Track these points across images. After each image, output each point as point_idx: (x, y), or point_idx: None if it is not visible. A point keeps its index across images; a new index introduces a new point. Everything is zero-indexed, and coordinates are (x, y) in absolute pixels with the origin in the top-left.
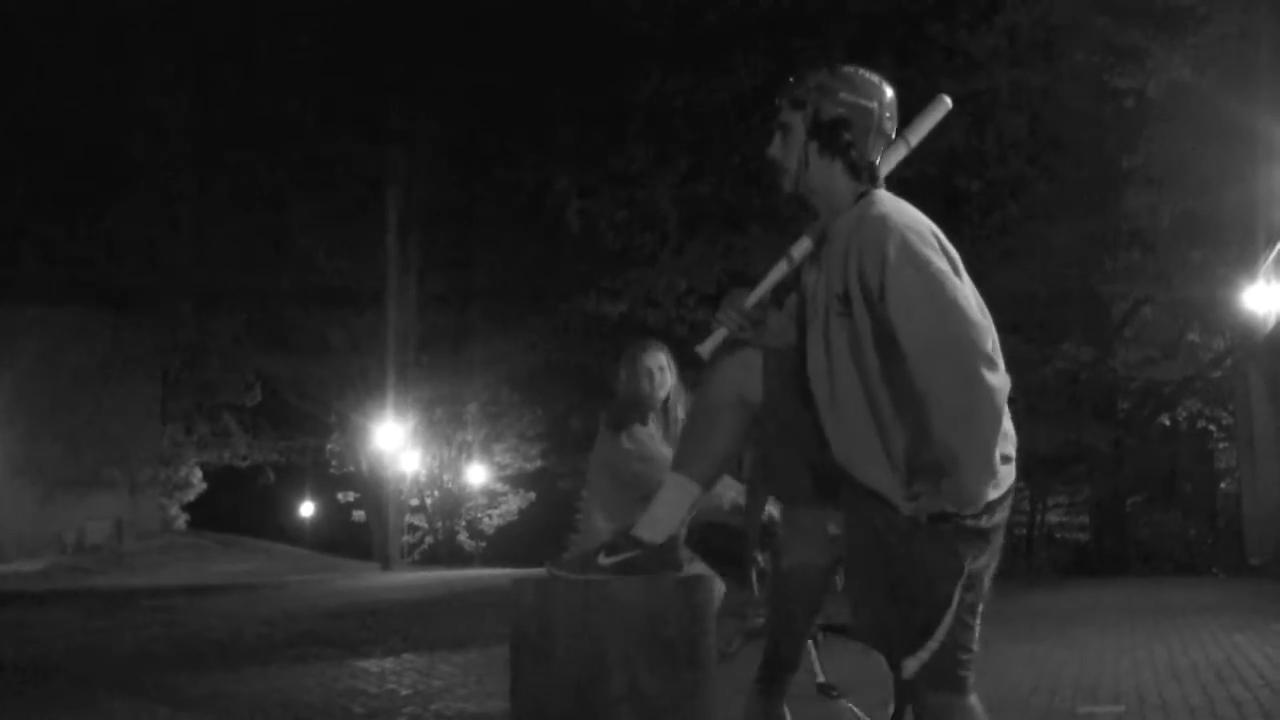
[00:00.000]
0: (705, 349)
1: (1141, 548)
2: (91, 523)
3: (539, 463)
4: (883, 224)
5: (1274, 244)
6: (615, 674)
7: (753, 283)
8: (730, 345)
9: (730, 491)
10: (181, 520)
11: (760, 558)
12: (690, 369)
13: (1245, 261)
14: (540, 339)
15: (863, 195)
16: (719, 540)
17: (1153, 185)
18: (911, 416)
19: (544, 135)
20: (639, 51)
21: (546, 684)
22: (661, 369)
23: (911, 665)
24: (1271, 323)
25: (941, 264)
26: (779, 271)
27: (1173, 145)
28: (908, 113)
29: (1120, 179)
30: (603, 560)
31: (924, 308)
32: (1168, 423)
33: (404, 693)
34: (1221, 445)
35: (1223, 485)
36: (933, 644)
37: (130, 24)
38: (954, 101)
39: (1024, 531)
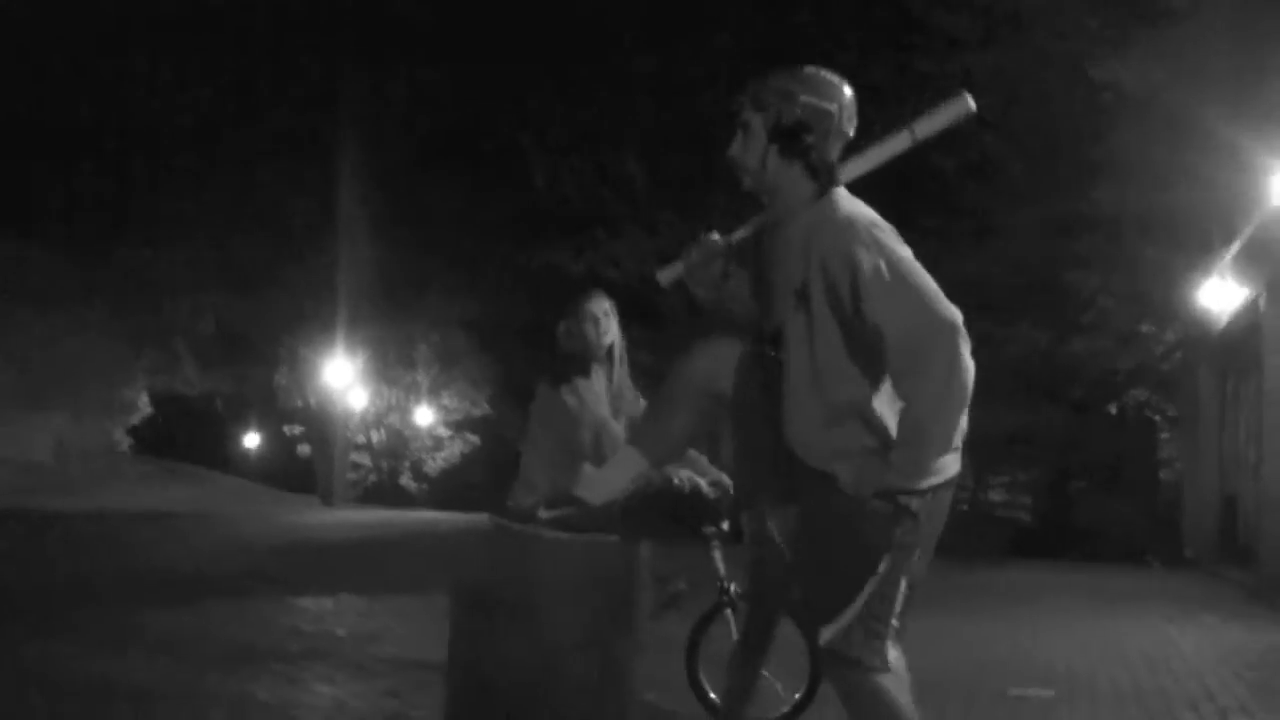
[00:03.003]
0: (664, 277)
1: (1082, 532)
2: (34, 443)
3: (486, 409)
4: (847, 225)
5: (1232, 244)
6: (564, 626)
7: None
8: (706, 332)
9: (684, 470)
10: (125, 444)
11: (716, 528)
12: (639, 324)
13: (1202, 259)
14: (494, 288)
15: (821, 195)
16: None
17: (1120, 178)
18: (872, 398)
19: (513, 98)
20: (610, 24)
21: (488, 637)
22: (606, 314)
23: (827, 633)
24: (1224, 320)
25: (908, 254)
26: (704, 250)
27: (1142, 140)
28: (904, 106)
29: (1089, 169)
30: (542, 514)
31: (902, 296)
32: (1115, 411)
33: (340, 633)
34: (1164, 436)
35: (1163, 475)
36: (850, 612)
37: None
38: (926, 80)
39: (965, 508)
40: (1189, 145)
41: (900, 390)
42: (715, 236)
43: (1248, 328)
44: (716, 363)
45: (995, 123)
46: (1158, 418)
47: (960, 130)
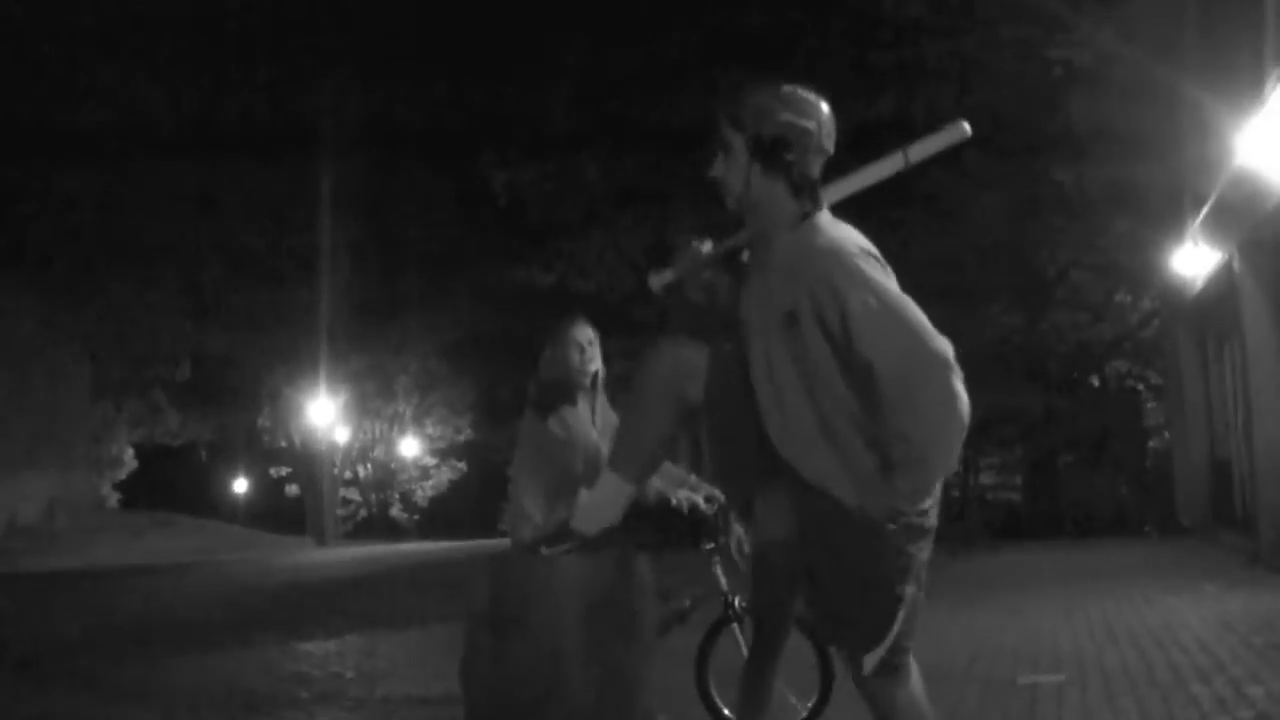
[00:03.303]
0: (656, 282)
1: (1074, 508)
2: (23, 504)
3: (469, 433)
4: (833, 255)
5: (1201, 208)
6: (570, 645)
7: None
8: (679, 300)
9: (658, 481)
10: (114, 499)
11: (716, 543)
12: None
13: (1173, 226)
14: (469, 310)
15: (805, 217)
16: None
17: (1079, 152)
18: (876, 426)
19: (470, 108)
20: (567, 23)
21: (502, 656)
22: (591, 342)
23: (870, 662)
24: (1199, 285)
25: (893, 284)
26: (695, 257)
27: (1098, 112)
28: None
29: (1047, 145)
30: (545, 552)
31: (892, 333)
32: (1097, 383)
33: (348, 675)
34: (1150, 404)
35: (1151, 443)
36: (890, 637)
37: None
38: (879, 73)
39: (957, 494)
40: (1149, 114)
41: (895, 423)
42: (705, 246)
43: (1224, 291)
44: (681, 366)
45: (949, 109)
46: (1141, 387)
47: (918, 120)
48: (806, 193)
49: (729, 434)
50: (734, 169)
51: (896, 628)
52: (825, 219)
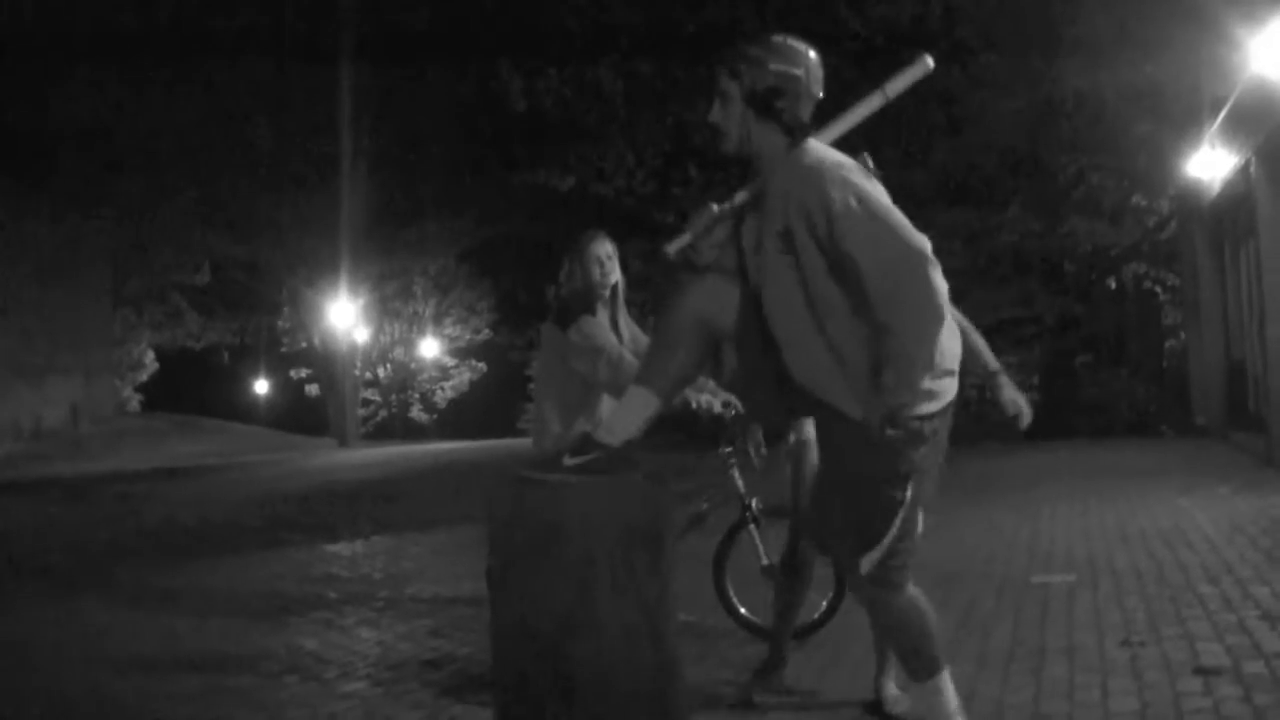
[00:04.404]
0: (671, 248)
1: (1091, 407)
2: (47, 409)
3: (488, 334)
4: (818, 168)
5: (1218, 112)
6: (599, 568)
7: (699, 155)
8: (691, 265)
9: (702, 394)
10: (135, 402)
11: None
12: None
13: (1189, 129)
14: (488, 214)
15: (793, 148)
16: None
17: (1098, 55)
18: (866, 327)
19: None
20: None
21: (529, 581)
22: (609, 257)
23: (867, 563)
24: (1216, 189)
25: (876, 190)
26: (708, 217)
27: (1115, 14)
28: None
29: (1064, 48)
30: (568, 462)
31: (874, 229)
32: (1114, 285)
33: (377, 576)
34: (1167, 306)
35: (1168, 344)
36: (888, 540)
37: None
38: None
39: (975, 394)
40: (1166, 15)
41: (879, 316)
42: (715, 207)
43: (1240, 194)
44: (710, 297)
45: (968, 13)
46: (1158, 289)
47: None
48: (798, 134)
49: (751, 365)
50: (731, 116)
51: (893, 531)
52: (811, 143)
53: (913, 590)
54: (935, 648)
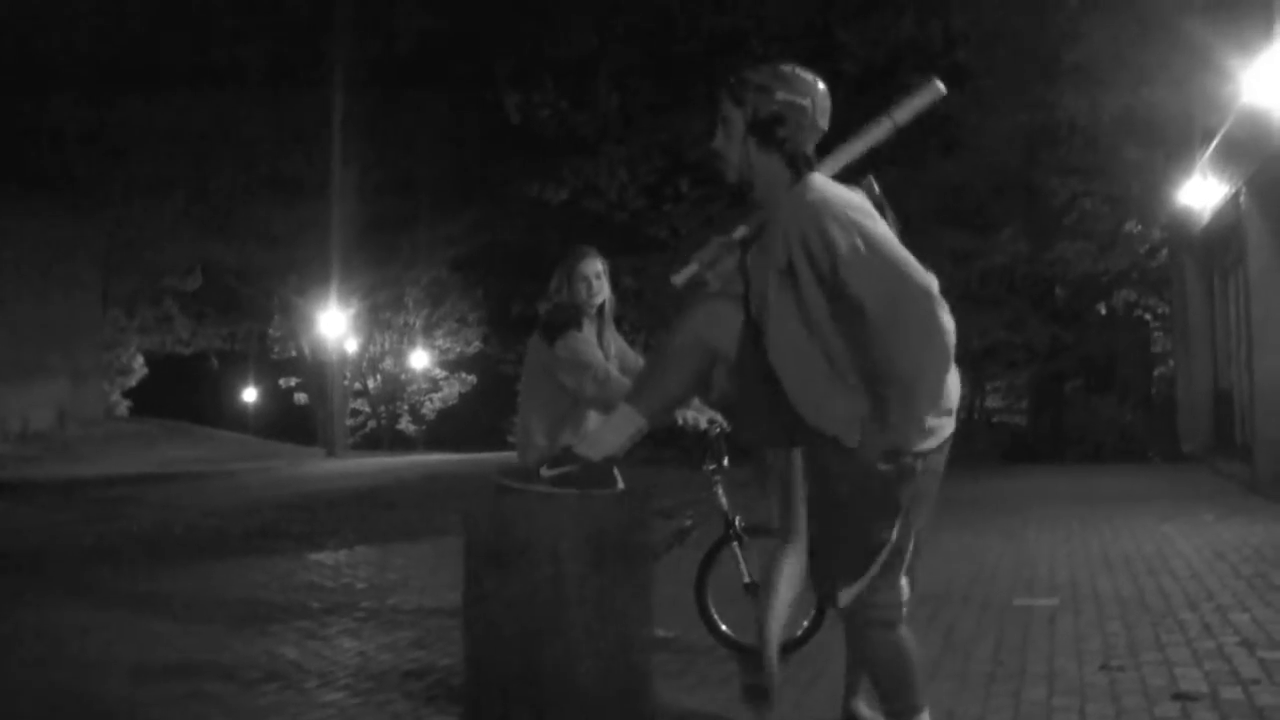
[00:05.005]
0: (679, 279)
1: (1079, 432)
2: (34, 411)
3: (478, 345)
4: (821, 206)
5: (1209, 142)
6: (568, 580)
7: (692, 171)
8: (700, 287)
9: (688, 411)
10: (124, 407)
11: (718, 464)
12: (624, 252)
13: (1182, 157)
14: (480, 226)
15: (797, 180)
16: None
17: (1094, 81)
18: (868, 364)
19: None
20: None
21: (501, 590)
22: (598, 276)
23: (846, 596)
24: (1206, 218)
25: (881, 228)
26: (716, 249)
27: (1113, 41)
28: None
29: (1061, 73)
30: (544, 472)
31: (879, 269)
32: (1104, 311)
33: (360, 586)
34: (1156, 333)
35: (1157, 371)
36: (868, 575)
37: None
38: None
39: (964, 416)
40: (1162, 43)
41: (884, 354)
42: (721, 238)
43: (1230, 224)
44: (715, 320)
45: (965, 33)
46: (1148, 316)
47: (933, 43)
48: (801, 165)
49: (748, 391)
50: (733, 142)
51: (874, 570)
52: (815, 178)
53: (901, 633)
54: (915, 695)
